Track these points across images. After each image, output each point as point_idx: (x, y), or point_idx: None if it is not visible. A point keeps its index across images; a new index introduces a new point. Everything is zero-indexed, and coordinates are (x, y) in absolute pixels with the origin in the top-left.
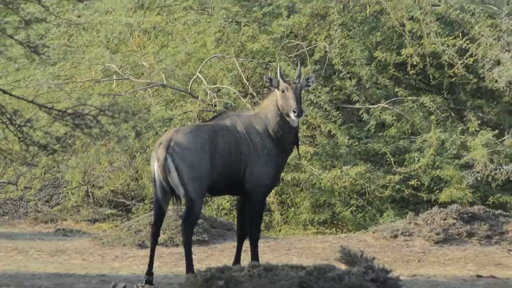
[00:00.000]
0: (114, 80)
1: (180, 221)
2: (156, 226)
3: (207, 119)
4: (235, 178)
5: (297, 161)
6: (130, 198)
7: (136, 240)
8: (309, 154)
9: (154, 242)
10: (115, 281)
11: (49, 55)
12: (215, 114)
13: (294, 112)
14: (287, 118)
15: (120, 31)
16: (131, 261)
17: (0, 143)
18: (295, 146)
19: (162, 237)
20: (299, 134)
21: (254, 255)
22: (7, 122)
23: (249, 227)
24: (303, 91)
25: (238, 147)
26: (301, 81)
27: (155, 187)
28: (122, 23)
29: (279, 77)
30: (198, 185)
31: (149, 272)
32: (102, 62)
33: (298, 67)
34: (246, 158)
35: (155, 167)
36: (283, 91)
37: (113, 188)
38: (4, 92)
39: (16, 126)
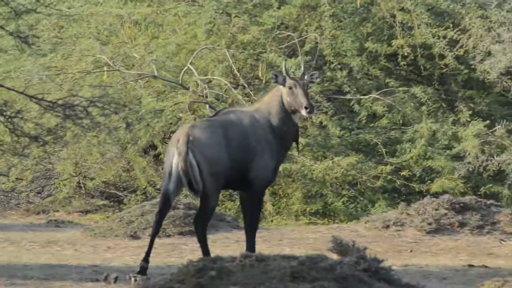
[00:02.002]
0: (105, 72)
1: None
2: (161, 215)
3: (210, 116)
4: (243, 171)
5: (288, 152)
6: (121, 189)
7: (128, 231)
8: (300, 145)
9: (157, 229)
10: (107, 271)
11: (40, 46)
12: (217, 111)
13: (306, 108)
14: (293, 115)
15: (111, 22)
16: (123, 251)
17: None
18: (295, 143)
19: None
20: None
21: (250, 246)
22: None
23: (248, 218)
24: None
25: (246, 141)
26: (306, 78)
27: (168, 180)
28: (113, 15)
29: (285, 74)
30: (216, 180)
31: (146, 259)
32: (92, 54)
33: (302, 63)
34: (254, 151)
35: (174, 161)
36: (290, 88)
37: (104, 179)
38: None
39: (7, 117)
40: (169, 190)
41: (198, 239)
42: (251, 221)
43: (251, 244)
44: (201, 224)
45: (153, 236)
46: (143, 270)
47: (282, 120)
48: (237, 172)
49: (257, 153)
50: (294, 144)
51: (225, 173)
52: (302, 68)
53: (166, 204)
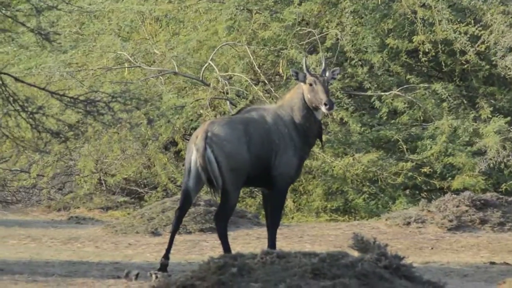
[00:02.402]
0: (126, 68)
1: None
2: (181, 211)
3: (232, 114)
4: (265, 168)
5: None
6: (142, 185)
7: (149, 228)
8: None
9: (177, 225)
10: (129, 268)
11: (61, 43)
12: (239, 108)
13: (326, 105)
14: (315, 112)
15: (132, 19)
16: (144, 248)
17: (12, 131)
18: (318, 139)
19: None
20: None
21: (272, 242)
22: (19, 110)
23: (270, 215)
24: None
25: (269, 137)
26: (327, 74)
27: (188, 177)
28: (134, 11)
29: (305, 71)
30: (236, 176)
31: (166, 256)
32: (113, 50)
33: (322, 60)
34: (276, 147)
35: (193, 157)
36: (310, 85)
37: (125, 176)
38: (16, 79)
39: (28, 113)
40: (189, 187)
41: (219, 236)
42: (273, 218)
43: (272, 240)
44: (222, 221)
45: (173, 233)
46: (163, 267)
47: (305, 117)
48: (260, 169)
49: (280, 150)
50: (317, 141)
51: (246, 169)
52: (323, 65)
53: (186, 201)
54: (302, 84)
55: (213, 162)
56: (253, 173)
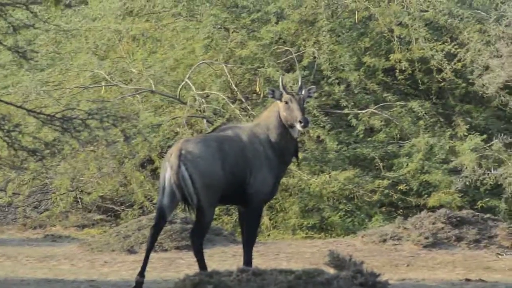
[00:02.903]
0: (103, 87)
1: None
2: (156, 229)
3: (208, 132)
4: (240, 186)
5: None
6: (119, 203)
7: (125, 246)
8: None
9: (152, 243)
10: (104, 286)
11: (38, 61)
12: (215, 126)
13: (301, 122)
14: (290, 129)
15: (109, 37)
16: (120, 266)
17: None
18: (295, 157)
19: None
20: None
21: (248, 260)
22: None
23: (246, 232)
24: None
25: (244, 155)
26: (303, 92)
27: (163, 195)
28: (111, 30)
29: (281, 89)
30: (211, 194)
31: (142, 274)
32: (90, 69)
33: (299, 78)
34: (251, 165)
35: (167, 175)
36: (286, 103)
37: (102, 194)
38: None
39: (5, 131)
40: (164, 205)
41: (195, 253)
42: (249, 235)
43: (248, 258)
44: (198, 239)
45: (148, 251)
46: (138, 285)
47: (281, 135)
48: (234, 186)
49: (255, 167)
50: (294, 159)
51: (220, 187)
52: (300, 83)
53: (161, 219)
54: (278, 102)
55: (187, 180)
56: (228, 190)
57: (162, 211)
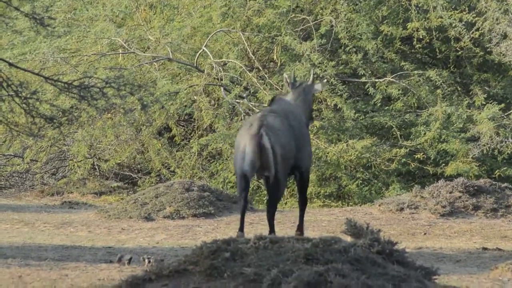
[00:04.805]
0: (120, 54)
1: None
2: (244, 195)
3: (266, 105)
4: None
5: None
6: (136, 171)
7: (142, 213)
8: (315, 127)
9: (245, 207)
10: (121, 253)
11: (55, 28)
12: (271, 99)
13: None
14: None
15: (126, 5)
16: (137, 233)
17: (6, 116)
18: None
19: (168, 210)
20: None
21: (302, 222)
22: (13, 95)
23: (300, 201)
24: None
25: (300, 128)
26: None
27: (243, 162)
28: None
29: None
30: (287, 165)
31: (241, 229)
32: (107, 36)
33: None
34: (304, 139)
35: (248, 145)
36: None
37: (119, 161)
38: (10, 64)
39: (22, 98)
40: (246, 171)
41: (268, 220)
42: (303, 203)
43: (301, 224)
44: (272, 209)
45: (243, 214)
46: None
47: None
48: (296, 158)
49: (306, 141)
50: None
51: (292, 159)
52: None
53: (246, 185)
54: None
55: (269, 150)
56: (293, 162)
57: (246, 177)
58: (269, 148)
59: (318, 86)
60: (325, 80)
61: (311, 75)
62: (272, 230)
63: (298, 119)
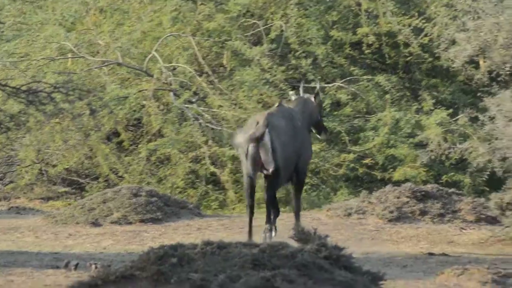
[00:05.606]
0: (69, 59)
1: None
2: (251, 197)
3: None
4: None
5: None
6: (84, 176)
7: (90, 218)
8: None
9: (252, 207)
10: (68, 258)
11: (4, 32)
12: (277, 104)
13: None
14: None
15: (76, 9)
16: (84, 239)
17: None
18: None
19: (115, 215)
20: None
21: (298, 224)
22: None
23: (296, 202)
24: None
25: (303, 132)
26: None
27: (248, 163)
28: (78, 1)
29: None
30: (287, 165)
31: (250, 236)
32: (57, 41)
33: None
34: (305, 142)
35: (251, 145)
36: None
37: (67, 166)
38: None
39: None
40: (250, 173)
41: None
42: (298, 204)
43: (298, 224)
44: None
45: (251, 219)
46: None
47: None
48: (296, 160)
49: (306, 143)
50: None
51: (295, 160)
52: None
53: (252, 186)
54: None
55: (267, 144)
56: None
57: (251, 179)
58: (268, 142)
59: (312, 97)
60: (321, 97)
61: (317, 88)
62: (268, 219)
63: (301, 126)
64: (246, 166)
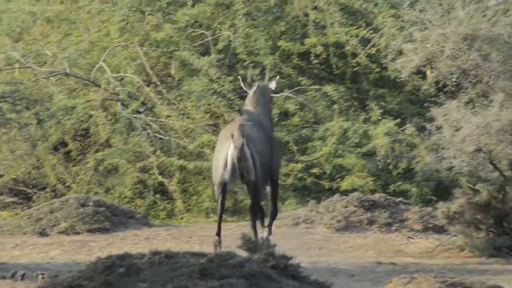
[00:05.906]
0: (16, 69)
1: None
2: (222, 201)
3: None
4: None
5: (199, 149)
6: (31, 186)
7: (37, 228)
8: (212, 142)
9: (222, 210)
10: (15, 269)
11: None
12: (240, 110)
13: None
14: None
15: (23, 19)
16: (31, 249)
17: None
18: None
19: (63, 225)
20: None
21: (270, 231)
22: None
23: (273, 207)
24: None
25: (271, 136)
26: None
27: (224, 170)
28: (25, 12)
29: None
30: (265, 172)
31: (218, 234)
32: (4, 51)
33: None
34: (274, 146)
35: (230, 153)
36: None
37: (14, 176)
38: None
39: None
40: (225, 179)
41: (251, 225)
42: (275, 210)
43: (270, 231)
44: (254, 212)
45: (220, 218)
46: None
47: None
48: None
49: (275, 149)
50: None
51: (269, 166)
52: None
53: (224, 192)
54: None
55: (249, 158)
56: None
57: (225, 185)
58: (249, 157)
59: (272, 84)
60: (278, 77)
61: (267, 75)
62: (254, 231)
63: (268, 126)
64: (222, 173)
